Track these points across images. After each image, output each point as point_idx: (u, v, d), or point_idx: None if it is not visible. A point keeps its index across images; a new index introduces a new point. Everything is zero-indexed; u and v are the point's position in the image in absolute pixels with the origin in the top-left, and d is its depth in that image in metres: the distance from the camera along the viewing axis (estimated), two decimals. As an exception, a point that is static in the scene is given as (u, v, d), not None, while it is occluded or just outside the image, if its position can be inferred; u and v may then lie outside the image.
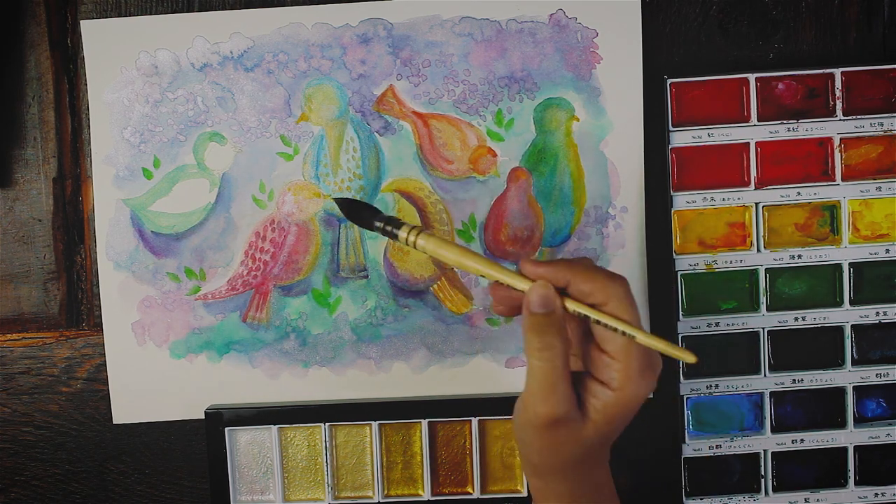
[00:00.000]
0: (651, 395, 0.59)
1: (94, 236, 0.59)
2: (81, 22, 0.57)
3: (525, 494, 0.58)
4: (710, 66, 0.58)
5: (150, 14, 0.58)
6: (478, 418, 0.58)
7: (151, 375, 0.59)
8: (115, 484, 0.60)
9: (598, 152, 0.58)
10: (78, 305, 0.59)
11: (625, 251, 0.58)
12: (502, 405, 0.58)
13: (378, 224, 0.48)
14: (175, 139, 0.58)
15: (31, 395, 0.60)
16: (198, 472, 0.60)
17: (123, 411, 0.59)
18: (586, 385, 0.44)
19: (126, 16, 0.58)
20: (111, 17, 0.58)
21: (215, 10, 0.58)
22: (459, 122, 0.58)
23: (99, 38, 0.57)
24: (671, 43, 0.58)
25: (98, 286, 0.59)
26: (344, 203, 0.52)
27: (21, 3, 0.58)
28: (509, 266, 0.59)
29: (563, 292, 0.44)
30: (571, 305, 0.43)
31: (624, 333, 0.42)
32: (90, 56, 0.57)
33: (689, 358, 0.41)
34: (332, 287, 0.59)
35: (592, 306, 0.43)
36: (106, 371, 0.59)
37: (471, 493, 0.59)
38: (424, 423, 0.58)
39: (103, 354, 0.59)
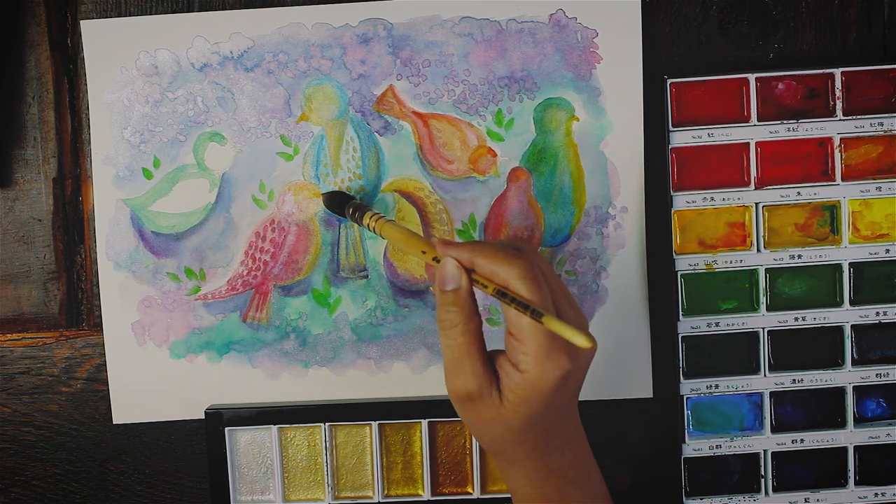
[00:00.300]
0: (651, 395, 0.59)
1: (94, 236, 0.59)
2: (81, 22, 0.57)
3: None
4: (710, 66, 0.58)
5: (150, 14, 0.58)
6: (478, 418, 0.58)
7: (151, 375, 0.59)
8: (115, 484, 0.60)
9: (598, 152, 0.58)
10: (78, 305, 0.59)
11: (625, 251, 0.58)
12: (502, 405, 0.58)
13: (349, 210, 0.52)
14: (175, 139, 0.58)
15: (31, 395, 0.60)
16: (198, 472, 0.60)
17: (123, 411, 0.59)
18: (501, 365, 0.43)
19: (126, 16, 0.58)
20: (111, 17, 0.58)
21: (215, 10, 0.58)
22: (459, 122, 0.58)
23: (99, 38, 0.57)
24: (671, 43, 0.58)
25: (98, 286, 0.59)
26: (326, 197, 0.57)
27: (21, 3, 0.58)
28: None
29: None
30: (487, 286, 0.43)
31: (532, 313, 0.41)
32: (90, 56, 0.57)
33: (582, 342, 0.39)
34: (332, 287, 0.59)
35: (502, 286, 0.42)
36: (106, 371, 0.59)
37: (471, 493, 0.59)
38: (424, 423, 0.58)
39: (103, 354, 0.59)
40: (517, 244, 0.45)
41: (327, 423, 0.58)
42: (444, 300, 0.44)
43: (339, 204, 0.55)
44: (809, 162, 0.58)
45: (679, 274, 0.58)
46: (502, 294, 0.42)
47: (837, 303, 0.58)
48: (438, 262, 0.45)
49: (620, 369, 0.59)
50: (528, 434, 0.44)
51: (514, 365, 0.43)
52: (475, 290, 0.44)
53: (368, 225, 0.50)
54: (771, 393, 0.59)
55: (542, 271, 0.43)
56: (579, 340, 0.39)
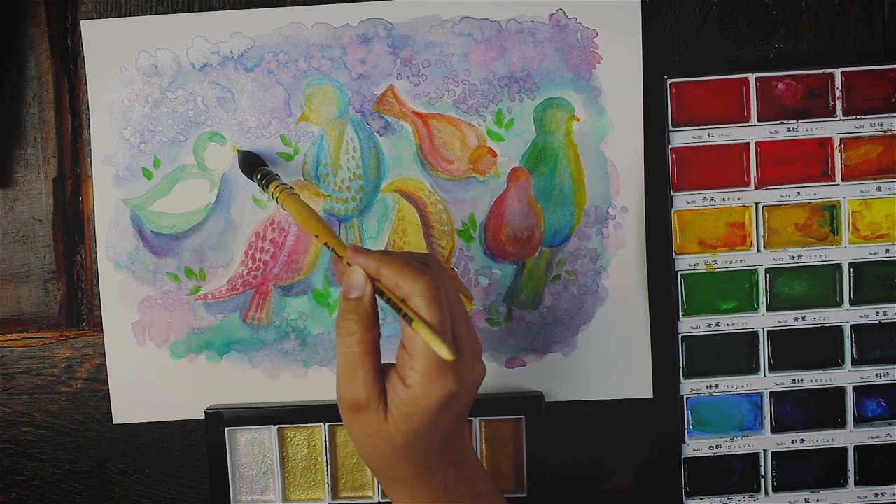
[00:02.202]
0: (651, 395, 0.59)
1: (94, 236, 0.59)
2: (81, 22, 0.57)
3: (525, 495, 0.58)
4: (710, 66, 0.58)
5: (151, 14, 0.58)
6: (478, 418, 0.58)
7: (151, 375, 0.59)
8: (115, 484, 0.60)
9: (598, 152, 0.58)
10: (78, 305, 0.59)
11: (625, 251, 0.58)
12: (502, 405, 0.58)
13: (256, 175, 0.54)
14: (175, 139, 0.58)
15: (31, 395, 0.60)
16: (198, 472, 0.60)
17: (123, 411, 0.59)
18: (390, 378, 0.44)
19: (126, 16, 0.58)
20: (111, 17, 0.58)
21: (215, 10, 0.58)
22: (459, 121, 0.58)
23: (99, 38, 0.57)
24: (671, 43, 0.58)
25: (98, 286, 0.59)
26: (242, 154, 0.57)
27: (21, 3, 0.58)
28: (509, 264, 0.59)
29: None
30: (385, 293, 0.44)
31: (404, 317, 0.42)
32: (90, 56, 0.57)
33: (445, 353, 0.41)
34: (333, 287, 0.59)
35: (402, 300, 0.43)
36: (106, 371, 0.59)
37: (471, 493, 0.59)
38: (424, 423, 0.58)
39: (103, 354, 0.59)
40: (425, 259, 0.45)
41: (327, 423, 0.58)
42: (346, 307, 0.44)
43: (250, 167, 0.55)
44: (809, 162, 0.58)
45: (679, 274, 0.58)
46: (391, 301, 0.43)
47: (837, 303, 0.58)
48: (340, 257, 0.46)
49: (620, 369, 0.59)
50: (409, 452, 0.44)
51: (402, 379, 0.43)
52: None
53: (272, 194, 0.51)
54: (771, 393, 0.59)
55: (445, 291, 0.43)
56: (443, 351, 0.40)
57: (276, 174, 0.54)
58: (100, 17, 0.58)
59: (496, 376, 0.59)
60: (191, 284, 0.59)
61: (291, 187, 0.51)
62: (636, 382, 0.59)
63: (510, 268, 0.59)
